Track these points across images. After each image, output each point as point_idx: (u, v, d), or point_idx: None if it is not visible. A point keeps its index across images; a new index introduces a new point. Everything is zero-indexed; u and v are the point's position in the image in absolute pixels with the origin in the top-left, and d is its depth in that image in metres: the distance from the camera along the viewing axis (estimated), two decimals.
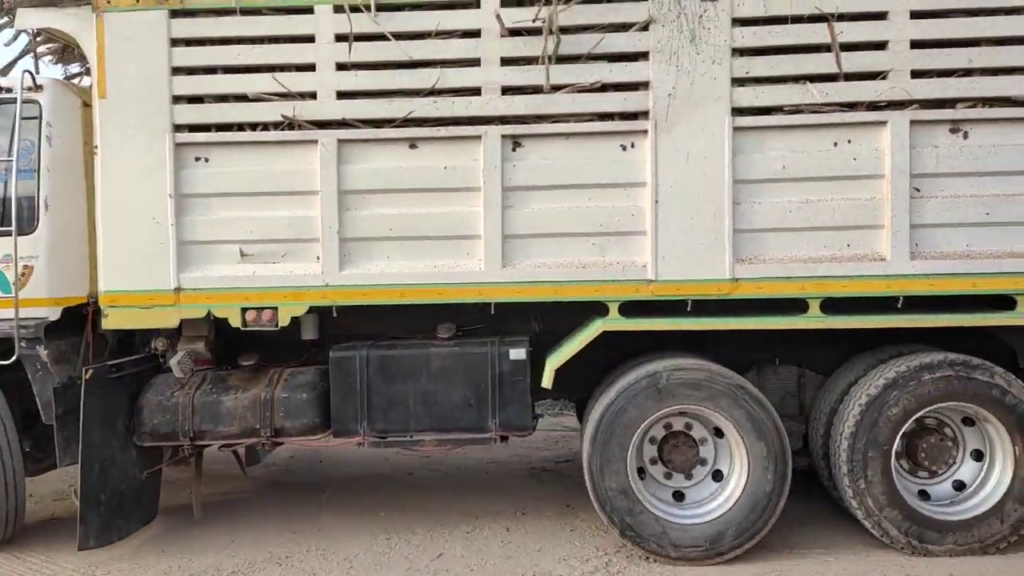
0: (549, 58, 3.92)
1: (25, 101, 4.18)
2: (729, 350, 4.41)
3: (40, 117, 4.22)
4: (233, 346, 4.51)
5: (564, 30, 3.93)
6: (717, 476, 4.14)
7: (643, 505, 3.96)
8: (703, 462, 4.15)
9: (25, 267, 4.16)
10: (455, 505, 4.89)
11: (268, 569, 4.07)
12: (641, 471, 4.14)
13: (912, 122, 3.87)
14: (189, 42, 4.10)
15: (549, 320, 4.44)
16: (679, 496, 4.16)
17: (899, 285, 3.92)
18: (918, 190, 3.90)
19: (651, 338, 4.23)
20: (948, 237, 3.92)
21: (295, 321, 4.29)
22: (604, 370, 4.44)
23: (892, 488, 3.92)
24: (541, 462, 5.92)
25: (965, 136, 3.89)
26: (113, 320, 4.15)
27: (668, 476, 4.17)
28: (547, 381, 4.04)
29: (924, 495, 4.15)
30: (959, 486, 4.11)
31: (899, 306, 3.96)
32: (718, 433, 4.11)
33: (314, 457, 6.01)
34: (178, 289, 4.09)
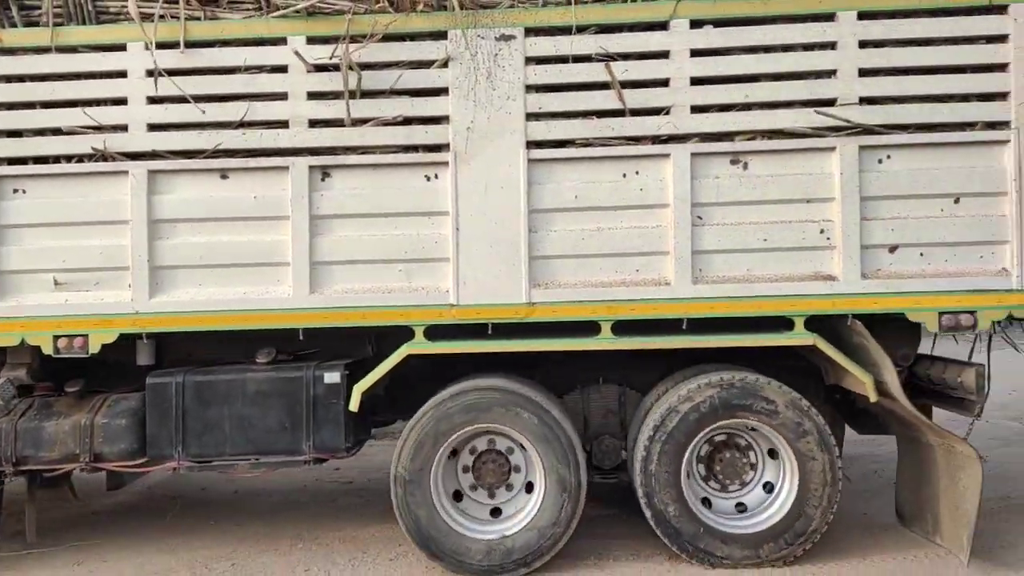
0: (352, 93, 4.10)
1: None
2: (557, 370, 4.60)
3: None
4: (73, 372, 4.58)
5: (367, 66, 4.12)
6: None
7: None
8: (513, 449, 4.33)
9: None
10: (378, 532, 4.80)
11: None
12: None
13: (693, 154, 4.09)
14: (9, 79, 4.21)
15: (384, 344, 4.56)
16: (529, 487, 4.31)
17: (683, 308, 4.12)
18: (700, 218, 4.11)
19: (477, 360, 4.39)
20: (729, 262, 4.13)
21: (131, 347, 4.40)
22: (432, 391, 4.57)
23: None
24: None
25: (745, 167, 4.12)
26: None
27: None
28: (353, 405, 4.16)
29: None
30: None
31: (684, 328, 4.16)
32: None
33: (227, 488, 5.97)
34: None
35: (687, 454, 4.11)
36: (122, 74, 4.18)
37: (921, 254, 4.11)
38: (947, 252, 4.10)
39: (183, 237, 4.18)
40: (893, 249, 4.11)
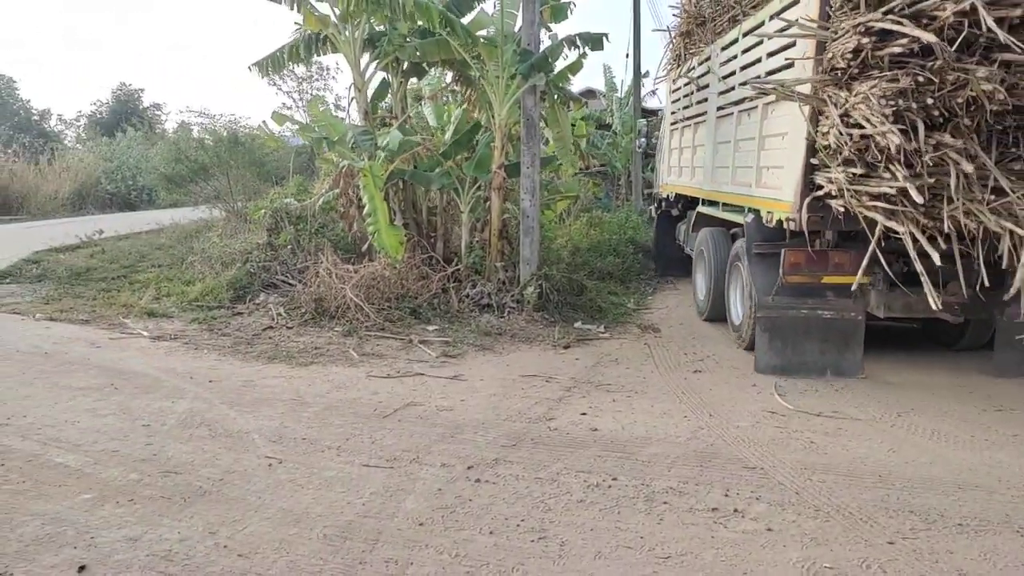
0: None
1: None
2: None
3: None
4: None
5: None
6: None
7: None
8: None
9: None
10: None
11: None
12: None
13: (718, 108, 7.60)
14: None
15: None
16: None
17: (704, 194, 8.46)
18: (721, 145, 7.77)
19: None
20: (723, 174, 7.57)
21: None
22: None
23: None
24: None
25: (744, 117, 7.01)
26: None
27: None
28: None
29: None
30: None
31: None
32: None
33: None
34: None
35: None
36: None
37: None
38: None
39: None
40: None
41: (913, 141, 4.62)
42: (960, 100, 4.61)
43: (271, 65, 9.73)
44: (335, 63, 37.64)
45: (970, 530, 3.63)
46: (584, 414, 5.38)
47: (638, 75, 17.23)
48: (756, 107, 6.52)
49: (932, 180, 4.77)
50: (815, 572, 3.27)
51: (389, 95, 10.28)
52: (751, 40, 6.74)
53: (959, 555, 3.40)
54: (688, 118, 9.38)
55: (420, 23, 8.50)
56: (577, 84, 29.25)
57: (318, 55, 9.64)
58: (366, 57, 9.46)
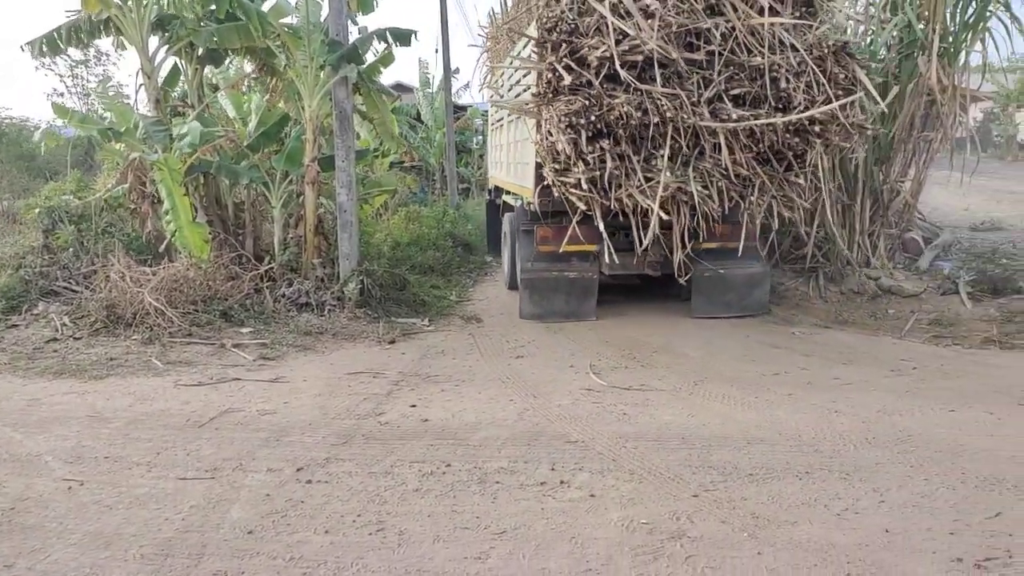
0: None
1: None
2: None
3: None
4: None
5: None
6: None
7: None
8: None
9: None
10: None
11: None
12: None
13: (511, 118, 7.44)
14: None
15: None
16: None
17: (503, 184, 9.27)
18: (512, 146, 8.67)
19: None
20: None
21: None
22: None
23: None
24: None
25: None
26: None
27: None
28: None
29: None
30: None
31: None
32: None
33: None
34: None
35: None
36: None
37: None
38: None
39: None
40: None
41: (581, 146, 6.45)
42: (614, 117, 6.42)
43: (47, 46, 8.64)
44: (115, 46, 33.78)
45: (759, 478, 4.12)
46: (414, 406, 5.41)
47: (448, 72, 17.43)
48: (521, 117, 8.05)
49: (599, 173, 6.58)
50: (633, 529, 3.58)
51: (182, 82, 9.53)
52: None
53: (752, 500, 3.86)
54: (497, 121, 11.05)
55: (211, 7, 8.00)
56: (388, 78, 28.89)
57: (100, 37, 8.71)
58: (155, 41, 8.71)
